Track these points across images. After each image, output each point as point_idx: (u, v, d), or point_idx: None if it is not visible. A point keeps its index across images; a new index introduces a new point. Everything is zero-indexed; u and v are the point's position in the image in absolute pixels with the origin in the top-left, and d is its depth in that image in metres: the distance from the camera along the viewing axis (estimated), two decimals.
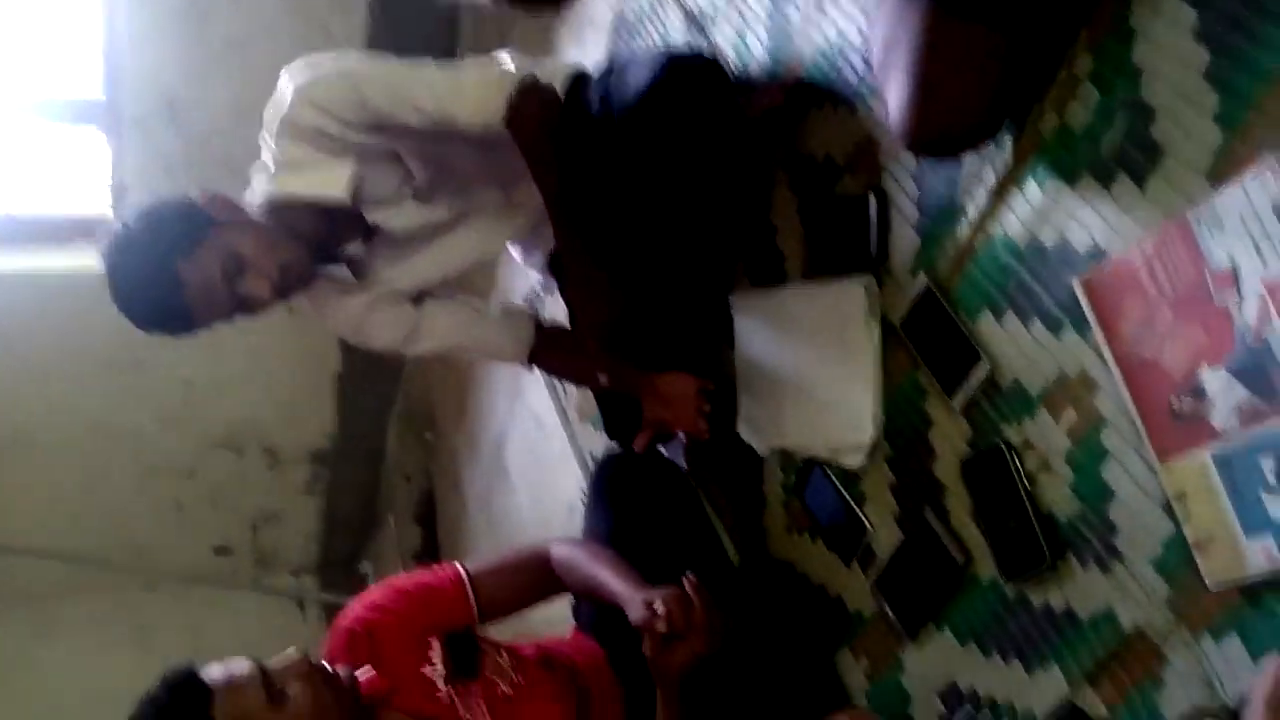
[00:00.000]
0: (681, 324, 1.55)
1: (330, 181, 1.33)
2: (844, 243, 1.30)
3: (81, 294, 2.64)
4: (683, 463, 1.63)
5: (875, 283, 1.26)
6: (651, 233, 1.45)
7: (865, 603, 1.32)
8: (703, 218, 1.44)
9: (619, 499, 1.50)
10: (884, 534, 1.28)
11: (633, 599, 1.18)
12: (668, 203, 1.39)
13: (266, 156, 1.36)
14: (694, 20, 1.60)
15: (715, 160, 1.34)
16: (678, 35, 1.65)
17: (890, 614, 1.26)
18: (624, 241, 1.46)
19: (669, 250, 1.48)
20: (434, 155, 1.41)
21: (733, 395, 1.49)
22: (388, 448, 3.55)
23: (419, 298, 1.52)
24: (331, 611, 3.51)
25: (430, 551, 3.21)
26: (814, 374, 1.36)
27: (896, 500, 1.26)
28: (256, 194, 1.38)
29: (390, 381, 3.40)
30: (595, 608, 1.43)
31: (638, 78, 1.28)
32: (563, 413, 2.21)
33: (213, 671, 1.12)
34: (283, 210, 1.36)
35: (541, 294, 2.25)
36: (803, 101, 1.37)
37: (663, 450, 1.62)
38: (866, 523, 1.30)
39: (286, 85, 1.31)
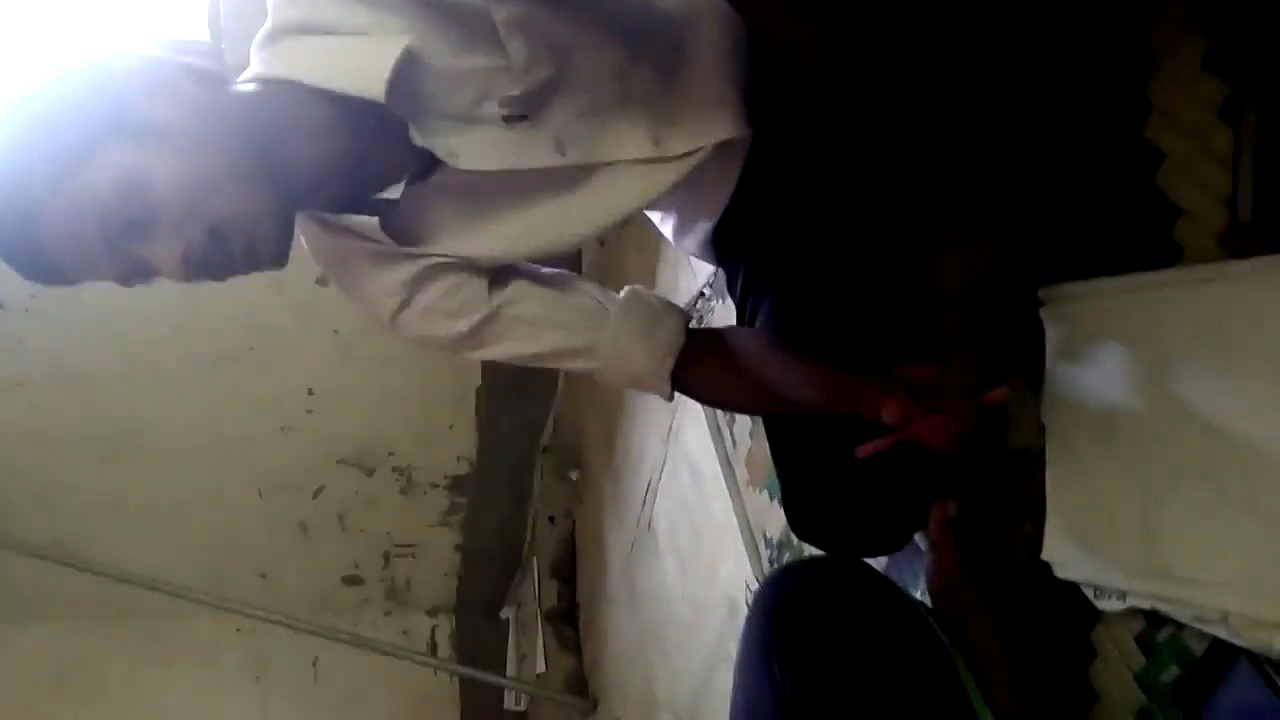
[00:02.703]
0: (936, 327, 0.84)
1: (364, 62, 0.74)
2: None
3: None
4: (922, 593, 0.92)
5: None
6: (906, 154, 0.78)
7: None
8: (1006, 126, 0.74)
9: (801, 655, 0.79)
10: None
11: None
12: (938, 98, 0.73)
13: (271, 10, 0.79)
14: None
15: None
16: None
17: None
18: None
19: (930, 187, 0.79)
20: (555, 39, 0.79)
21: (1038, 483, 0.78)
22: (534, 481, 3.01)
23: (500, 272, 0.91)
24: (466, 687, 3.03)
25: (568, 615, 2.61)
26: (1249, 456, 0.62)
27: None
28: (246, 72, 0.80)
29: (538, 403, 2.88)
30: None
31: None
32: (727, 466, 1.54)
33: None
34: (277, 104, 0.77)
35: (709, 299, 1.61)
36: None
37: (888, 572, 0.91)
38: None
39: None
